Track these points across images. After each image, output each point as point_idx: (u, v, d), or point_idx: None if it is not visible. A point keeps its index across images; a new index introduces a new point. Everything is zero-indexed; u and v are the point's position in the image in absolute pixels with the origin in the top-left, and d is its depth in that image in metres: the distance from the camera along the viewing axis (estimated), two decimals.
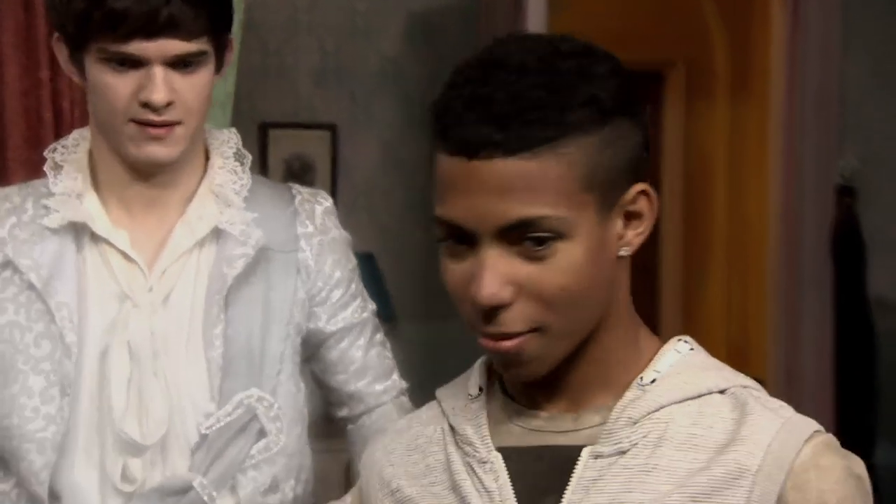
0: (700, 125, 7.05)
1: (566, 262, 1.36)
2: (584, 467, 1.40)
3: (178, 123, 2.03)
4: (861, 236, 5.94)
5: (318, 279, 2.16)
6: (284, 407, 2.11)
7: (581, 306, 1.38)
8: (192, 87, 2.02)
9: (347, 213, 2.24)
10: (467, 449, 1.46)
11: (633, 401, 1.42)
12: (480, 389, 1.49)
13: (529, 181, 1.34)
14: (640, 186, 1.41)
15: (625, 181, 1.39)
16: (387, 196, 5.69)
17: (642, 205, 1.41)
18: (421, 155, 5.73)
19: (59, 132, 3.20)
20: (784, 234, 5.67)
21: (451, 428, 1.49)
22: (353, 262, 2.22)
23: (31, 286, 2.07)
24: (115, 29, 1.97)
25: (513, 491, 1.42)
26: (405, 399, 2.28)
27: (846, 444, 1.44)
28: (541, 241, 1.35)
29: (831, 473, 1.39)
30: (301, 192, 2.20)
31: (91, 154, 2.12)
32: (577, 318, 1.39)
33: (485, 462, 1.44)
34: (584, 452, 1.40)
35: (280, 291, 2.12)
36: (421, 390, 2.49)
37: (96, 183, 2.11)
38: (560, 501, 1.40)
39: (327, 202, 2.20)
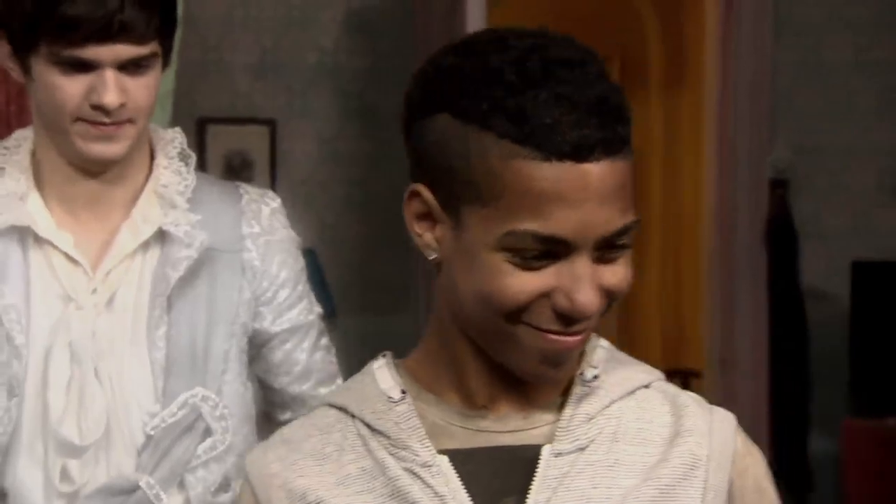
0: (635, 118, 7.05)
1: (627, 259, 1.36)
2: (546, 465, 1.37)
3: (128, 121, 2.04)
4: (793, 227, 6.01)
5: (263, 279, 2.15)
6: (231, 406, 2.11)
7: None
8: (142, 88, 2.03)
9: (287, 209, 2.23)
10: (403, 454, 1.39)
11: (583, 397, 1.40)
12: (403, 392, 1.41)
13: (623, 184, 1.32)
14: None
15: None
16: (326, 190, 5.69)
17: None
18: (359, 149, 5.74)
19: None
20: (718, 226, 5.72)
21: (374, 432, 1.40)
22: (301, 263, 2.21)
23: None
24: (69, 35, 1.98)
25: (467, 494, 1.37)
26: None
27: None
28: (622, 246, 1.34)
29: (760, 460, 1.46)
30: (249, 191, 2.19)
31: (34, 154, 2.12)
32: None
33: (429, 466, 1.38)
34: (545, 450, 1.38)
35: (225, 291, 2.12)
36: None
37: (39, 183, 2.11)
38: (524, 501, 1.36)
39: (275, 203, 2.19)
